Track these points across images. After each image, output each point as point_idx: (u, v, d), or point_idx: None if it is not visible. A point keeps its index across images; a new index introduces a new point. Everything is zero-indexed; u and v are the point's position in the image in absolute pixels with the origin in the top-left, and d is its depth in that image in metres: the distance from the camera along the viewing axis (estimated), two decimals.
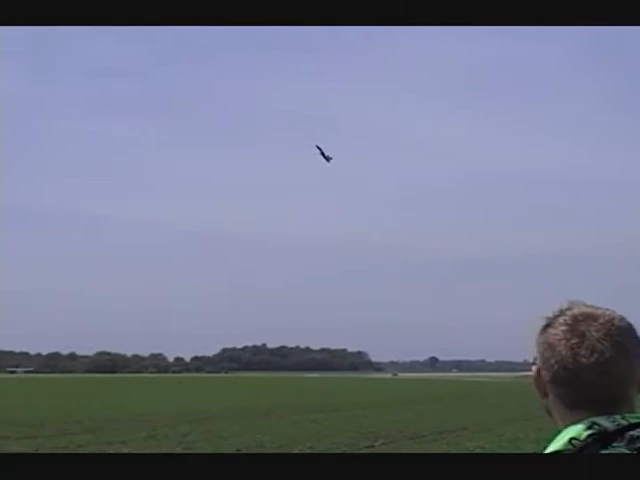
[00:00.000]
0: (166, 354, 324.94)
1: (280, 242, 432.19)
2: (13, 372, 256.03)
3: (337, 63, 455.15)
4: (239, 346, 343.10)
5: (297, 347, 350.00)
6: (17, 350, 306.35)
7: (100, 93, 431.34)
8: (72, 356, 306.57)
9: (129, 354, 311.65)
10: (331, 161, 58.09)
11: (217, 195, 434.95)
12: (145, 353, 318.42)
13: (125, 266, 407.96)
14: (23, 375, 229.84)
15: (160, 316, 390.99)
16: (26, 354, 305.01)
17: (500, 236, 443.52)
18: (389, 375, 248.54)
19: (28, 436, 26.53)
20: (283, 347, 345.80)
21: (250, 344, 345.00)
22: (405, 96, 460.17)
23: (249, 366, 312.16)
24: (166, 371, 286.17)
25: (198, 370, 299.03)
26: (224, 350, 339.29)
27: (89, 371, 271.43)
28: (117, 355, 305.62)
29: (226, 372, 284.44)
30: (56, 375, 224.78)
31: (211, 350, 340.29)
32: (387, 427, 30.40)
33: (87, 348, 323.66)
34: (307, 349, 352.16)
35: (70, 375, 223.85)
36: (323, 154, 56.77)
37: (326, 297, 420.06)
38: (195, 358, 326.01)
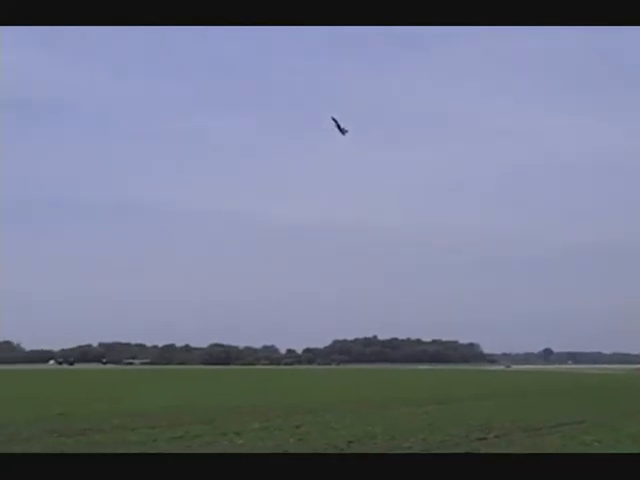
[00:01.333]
0: (278, 346, 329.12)
1: (391, 233, 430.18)
2: (130, 364, 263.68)
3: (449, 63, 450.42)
4: (350, 338, 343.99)
5: (408, 339, 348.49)
6: (133, 342, 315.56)
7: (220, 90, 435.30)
8: (187, 348, 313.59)
9: (242, 346, 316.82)
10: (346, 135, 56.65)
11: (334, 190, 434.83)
12: (258, 345, 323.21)
13: (239, 261, 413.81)
14: (140, 367, 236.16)
15: (273, 309, 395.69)
16: (142, 346, 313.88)
17: (612, 222, 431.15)
18: (502, 367, 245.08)
19: (146, 426, 27.17)
20: (394, 339, 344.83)
21: (361, 336, 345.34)
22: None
23: (360, 358, 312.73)
24: (278, 363, 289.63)
25: (310, 362, 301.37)
26: (335, 342, 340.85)
27: (203, 362, 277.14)
28: (230, 347, 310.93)
29: (337, 364, 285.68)
30: (171, 367, 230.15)
31: (322, 342, 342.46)
32: (500, 419, 29.89)
33: (201, 340, 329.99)
34: (418, 341, 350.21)
35: (185, 367, 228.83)
36: (339, 126, 55.62)
37: (436, 288, 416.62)
38: (307, 350, 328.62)
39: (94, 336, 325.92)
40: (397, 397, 48.97)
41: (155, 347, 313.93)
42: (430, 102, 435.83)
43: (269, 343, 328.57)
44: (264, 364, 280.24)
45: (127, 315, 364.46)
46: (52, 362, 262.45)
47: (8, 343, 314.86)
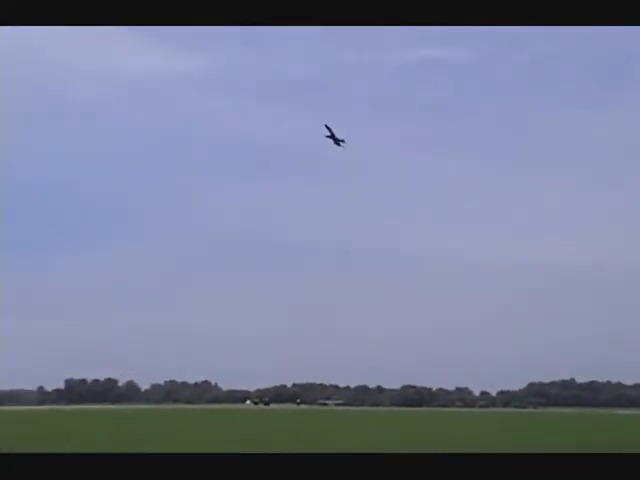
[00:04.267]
0: (472, 388, 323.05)
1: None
2: (324, 404, 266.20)
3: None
4: (546, 381, 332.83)
5: (608, 382, 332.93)
6: (327, 383, 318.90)
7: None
8: (379, 389, 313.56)
9: (435, 388, 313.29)
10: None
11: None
12: (451, 387, 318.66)
13: (431, 301, 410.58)
14: (334, 407, 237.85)
15: (466, 350, 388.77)
16: (336, 387, 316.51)
17: None
18: None
19: None
20: (593, 382, 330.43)
21: (558, 379, 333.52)
22: None
23: (558, 401, 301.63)
24: (472, 405, 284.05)
25: (504, 405, 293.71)
26: (530, 385, 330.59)
27: (396, 404, 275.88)
28: (423, 389, 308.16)
29: (534, 407, 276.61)
30: (365, 408, 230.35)
31: (517, 384, 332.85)
32: None
33: (394, 381, 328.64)
34: (619, 384, 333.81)
35: (378, 408, 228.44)
36: (333, 136, 51.01)
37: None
38: (501, 392, 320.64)
39: (289, 377, 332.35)
40: (589, 443, 46.14)
41: (348, 388, 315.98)
42: None
43: (462, 385, 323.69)
44: (458, 406, 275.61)
45: (321, 355, 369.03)
46: (248, 402, 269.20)
47: (206, 383, 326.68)
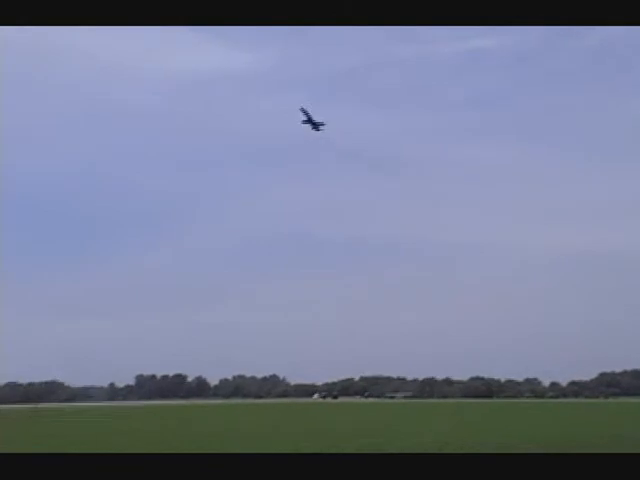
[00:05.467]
0: (541, 378, 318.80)
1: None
2: (392, 397, 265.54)
3: None
4: (617, 370, 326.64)
5: None
6: (394, 376, 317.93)
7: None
8: (447, 381, 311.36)
9: (503, 379, 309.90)
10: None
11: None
12: (520, 378, 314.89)
13: (510, 290, 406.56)
14: (402, 400, 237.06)
15: (535, 340, 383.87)
16: (403, 379, 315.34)
17: None
18: None
19: None
20: None
21: (629, 368, 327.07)
22: None
23: (630, 391, 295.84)
24: (542, 396, 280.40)
25: (575, 395, 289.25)
26: (602, 374, 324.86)
27: (465, 396, 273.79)
28: (492, 380, 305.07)
29: (606, 397, 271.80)
30: (433, 400, 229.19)
31: (588, 375, 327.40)
32: None
33: (462, 373, 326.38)
34: None
35: (446, 400, 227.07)
36: (310, 120, 48.10)
37: None
38: (572, 383, 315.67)
39: (356, 370, 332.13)
40: None
41: (415, 380, 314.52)
42: None
43: (532, 376, 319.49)
44: (527, 397, 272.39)
45: (388, 348, 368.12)
46: (316, 396, 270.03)
47: (274, 377, 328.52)
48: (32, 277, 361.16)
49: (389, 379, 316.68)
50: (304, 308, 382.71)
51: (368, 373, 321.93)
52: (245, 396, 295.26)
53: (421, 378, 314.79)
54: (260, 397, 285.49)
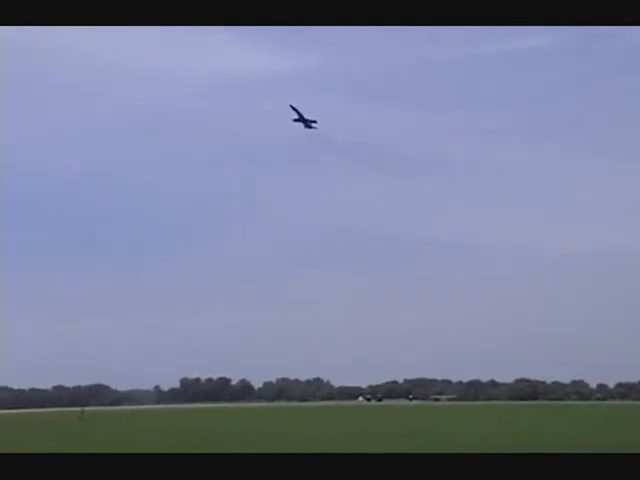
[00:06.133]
0: (588, 380, 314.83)
1: None
2: (437, 400, 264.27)
3: None
4: None
5: None
6: (439, 378, 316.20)
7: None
8: (493, 383, 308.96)
9: (549, 381, 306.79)
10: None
11: None
12: (566, 380, 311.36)
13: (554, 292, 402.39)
14: (447, 403, 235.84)
15: (584, 340, 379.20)
16: (448, 382, 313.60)
17: None
18: None
19: None
20: None
21: None
22: None
23: None
24: (589, 398, 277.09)
25: (623, 397, 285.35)
26: None
27: (510, 398, 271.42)
28: (537, 382, 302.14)
29: None
30: (478, 402, 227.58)
31: (636, 376, 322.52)
32: None
33: (507, 375, 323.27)
34: None
35: (492, 402, 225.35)
36: (302, 118, 46.25)
37: None
38: (619, 385, 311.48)
39: (400, 372, 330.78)
40: None
41: (460, 383, 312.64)
42: None
43: (578, 377, 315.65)
44: (573, 399, 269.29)
45: (431, 350, 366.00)
46: (360, 398, 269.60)
47: (318, 380, 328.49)
48: (73, 278, 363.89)
49: (433, 381, 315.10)
50: (350, 309, 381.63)
51: (412, 375, 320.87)
52: (289, 399, 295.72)
53: (466, 380, 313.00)
54: (304, 400, 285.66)
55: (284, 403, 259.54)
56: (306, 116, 63.74)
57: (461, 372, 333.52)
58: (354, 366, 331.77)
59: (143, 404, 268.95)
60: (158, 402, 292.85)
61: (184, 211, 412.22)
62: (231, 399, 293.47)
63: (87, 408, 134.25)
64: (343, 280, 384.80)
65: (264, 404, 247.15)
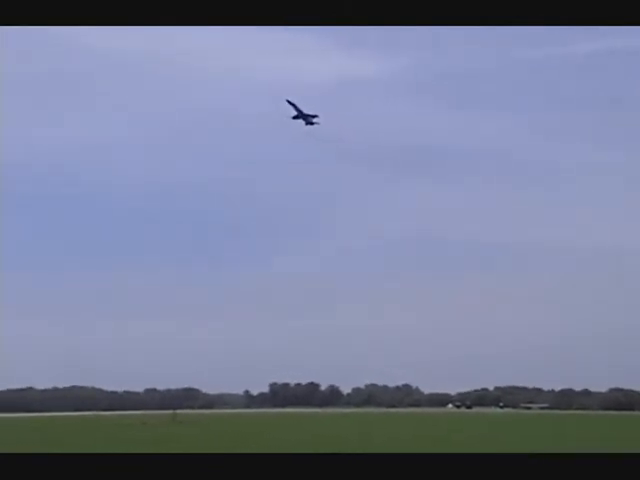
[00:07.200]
0: None
1: None
2: (528, 408, 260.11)
3: None
4: None
5: None
6: (530, 386, 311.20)
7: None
8: (586, 392, 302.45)
9: None
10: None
11: None
12: None
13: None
14: (538, 411, 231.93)
15: None
16: (539, 390, 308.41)
17: None
18: None
19: None
20: None
21: None
22: None
23: None
24: None
25: None
26: None
27: (604, 408, 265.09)
28: (632, 392, 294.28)
29: None
30: (571, 412, 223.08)
31: None
32: None
33: (601, 384, 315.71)
34: None
35: (585, 412, 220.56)
36: (302, 114, 43.79)
37: None
38: None
39: (490, 379, 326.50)
40: None
41: (552, 391, 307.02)
42: None
43: None
44: None
45: (523, 356, 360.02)
46: (450, 406, 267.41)
47: (407, 386, 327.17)
48: (147, 279, 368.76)
49: (525, 389, 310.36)
50: (437, 313, 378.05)
51: (503, 383, 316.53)
52: (378, 405, 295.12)
53: (558, 389, 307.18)
54: (392, 406, 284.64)
55: (373, 409, 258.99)
56: (311, 117, 60.37)
57: (553, 380, 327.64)
58: (443, 372, 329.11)
59: (234, 408, 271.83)
60: (247, 406, 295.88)
61: (282, 211, 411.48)
62: (320, 404, 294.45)
63: (179, 411, 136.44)
64: (422, 283, 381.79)
65: (352, 409, 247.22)
